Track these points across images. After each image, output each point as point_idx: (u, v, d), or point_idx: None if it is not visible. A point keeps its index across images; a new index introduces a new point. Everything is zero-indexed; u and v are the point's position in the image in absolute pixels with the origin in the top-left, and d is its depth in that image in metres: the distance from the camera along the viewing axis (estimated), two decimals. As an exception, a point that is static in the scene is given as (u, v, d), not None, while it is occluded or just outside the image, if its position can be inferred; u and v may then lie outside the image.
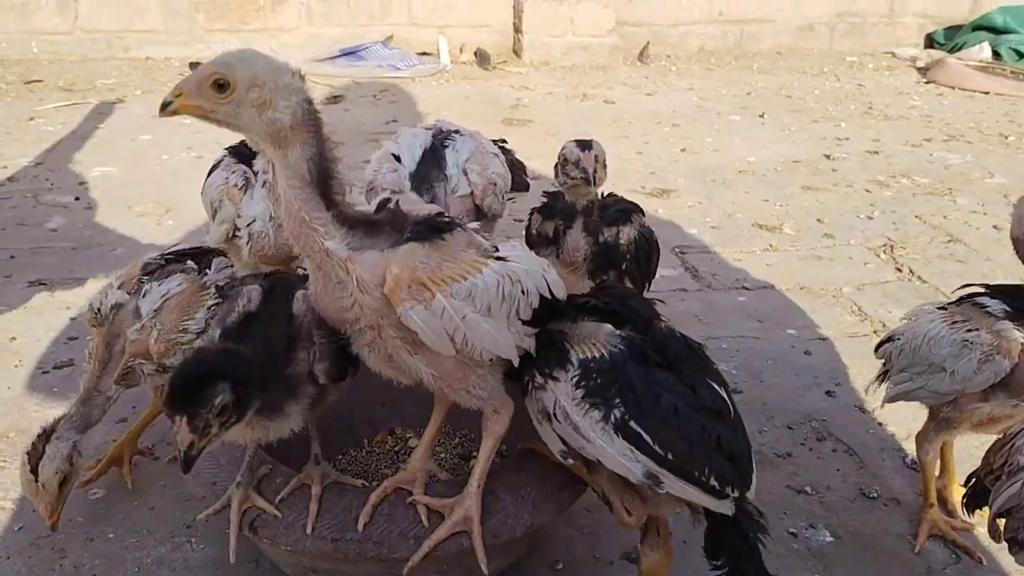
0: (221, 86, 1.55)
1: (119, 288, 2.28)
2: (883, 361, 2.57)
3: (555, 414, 1.78)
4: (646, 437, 1.70)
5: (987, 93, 7.59)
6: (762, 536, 1.76)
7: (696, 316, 3.60)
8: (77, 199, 4.81)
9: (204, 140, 5.63)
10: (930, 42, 9.42)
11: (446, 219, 1.78)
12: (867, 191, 5.18)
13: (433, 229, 1.72)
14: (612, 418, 1.72)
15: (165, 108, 1.60)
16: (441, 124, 2.59)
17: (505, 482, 1.95)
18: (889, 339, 2.55)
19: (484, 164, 2.52)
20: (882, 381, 2.56)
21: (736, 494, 1.74)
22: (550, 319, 1.87)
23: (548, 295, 1.81)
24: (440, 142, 2.43)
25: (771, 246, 4.39)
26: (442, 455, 2.48)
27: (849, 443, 2.87)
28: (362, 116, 6.41)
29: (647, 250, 2.62)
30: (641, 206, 2.71)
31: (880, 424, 2.98)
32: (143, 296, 2.25)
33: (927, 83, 8.03)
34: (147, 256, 2.39)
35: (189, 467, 1.61)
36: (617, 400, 1.73)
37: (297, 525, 1.86)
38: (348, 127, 6.08)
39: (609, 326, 1.87)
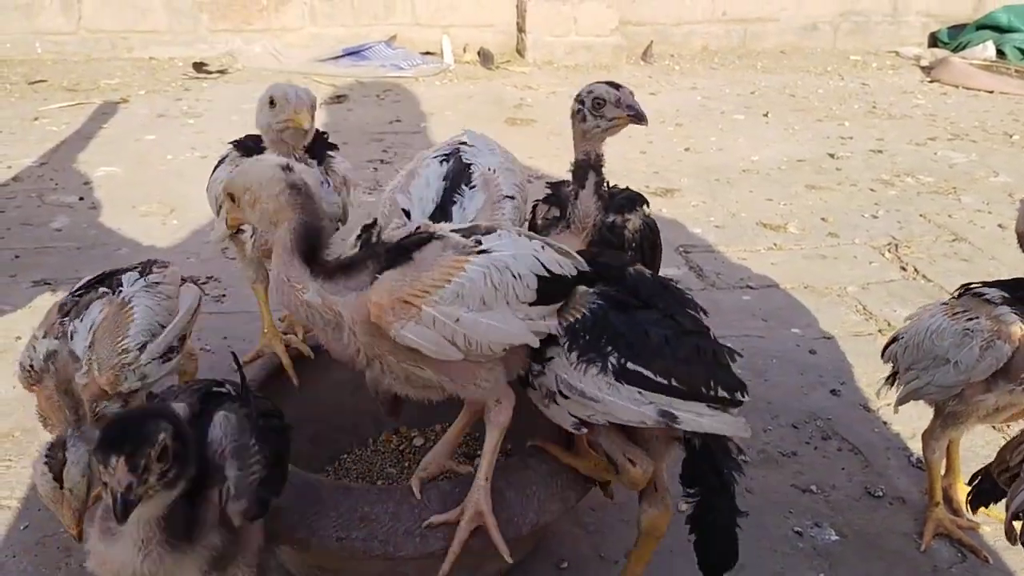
0: (232, 198, 1.85)
1: (44, 337, 2.24)
2: (891, 363, 2.57)
3: (559, 391, 1.80)
4: (647, 372, 1.75)
5: (991, 92, 7.58)
6: (736, 473, 1.82)
7: (700, 315, 3.59)
8: (81, 199, 4.82)
9: (208, 140, 5.65)
10: (934, 41, 9.41)
11: (416, 235, 1.81)
12: (871, 190, 5.17)
13: (402, 250, 1.76)
14: (610, 366, 1.76)
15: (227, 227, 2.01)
16: (462, 152, 2.48)
17: (511, 481, 1.95)
18: (894, 340, 2.55)
19: (492, 219, 2.49)
20: (892, 384, 2.56)
21: (746, 398, 1.80)
22: (565, 294, 1.87)
23: (546, 273, 1.80)
24: (450, 197, 2.37)
25: (775, 245, 4.39)
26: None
27: (854, 442, 2.87)
28: (365, 116, 6.42)
29: (652, 240, 2.63)
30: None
31: (885, 423, 2.98)
32: (71, 339, 2.22)
33: (931, 82, 8.02)
34: (60, 299, 2.38)
35: (127, 515, 1.43)
36: (609, 348, 1.77)
37: (303, 524, 1.86)
38: (352, 127, 6.09)
39: (582, 287, 1.88)
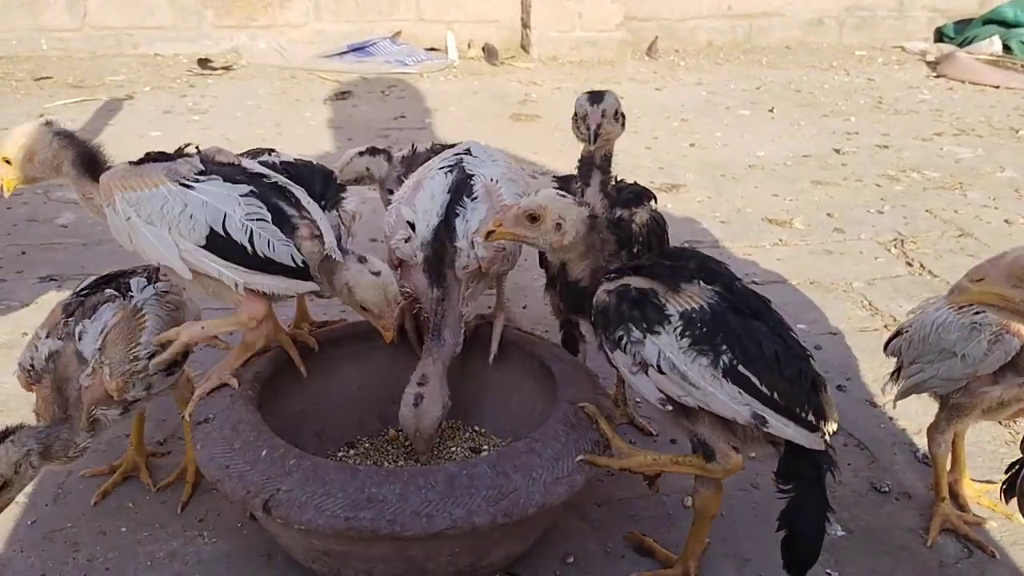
0: (7, 161, 2.30)
1: (47, 337, 2.25)
2: (895, 358, 2.56)
3: (659, 365, 1.90)
4: (754, 379, 1.86)
5: (997, 87, 7.56)
6: (833, 469, 1.95)
7: (706, 311, 3.59)
8: (87, 195, 4.81)
9: (213, 136, 5.65)
10: (940, 36, 9.38)
11: (154, 155, 2.29)
12: (877, 185, 5.16)
13: (135, 163, 2.27)
14: (721, 363, 1.86)
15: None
16: (465, 163, 2.51)
17: (517, 464, 1.96)
18: (897, 334, 2.54)
19: None
20: (896, 378, 2.56)
21: (832, 429, 1.93)
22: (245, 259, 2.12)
23: (221, 232, 2.10)
24: (453, 209, 2.38)
25: (781, 241, 4.38)
26: (452, 448, 2.49)
27: (860, 438, 2.87)
28: (370, 112, 6.42)
29: (659, 234, 2.63)
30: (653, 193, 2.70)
31: (891, 419, 2.98)
32: (79, 339, 2.21)
33: (937, 77, 8.00)
34: (63, 299, 2.39)
35: None
36: (724, 347, 1.87)
37: (310, 505, 1.86)
38: (357, 123, 6.09)
39: (700, 282, 1.97)
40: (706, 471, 2.03)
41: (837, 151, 5.79)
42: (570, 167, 5.37)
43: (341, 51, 8.03)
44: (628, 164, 5.33)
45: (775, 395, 1.87)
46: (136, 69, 7.77)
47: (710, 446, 1.98)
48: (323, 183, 2.44)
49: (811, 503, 1.92)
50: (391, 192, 3.03)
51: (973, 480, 2.60)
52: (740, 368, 1.86)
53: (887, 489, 2.63)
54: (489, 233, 2.09)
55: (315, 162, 2.58)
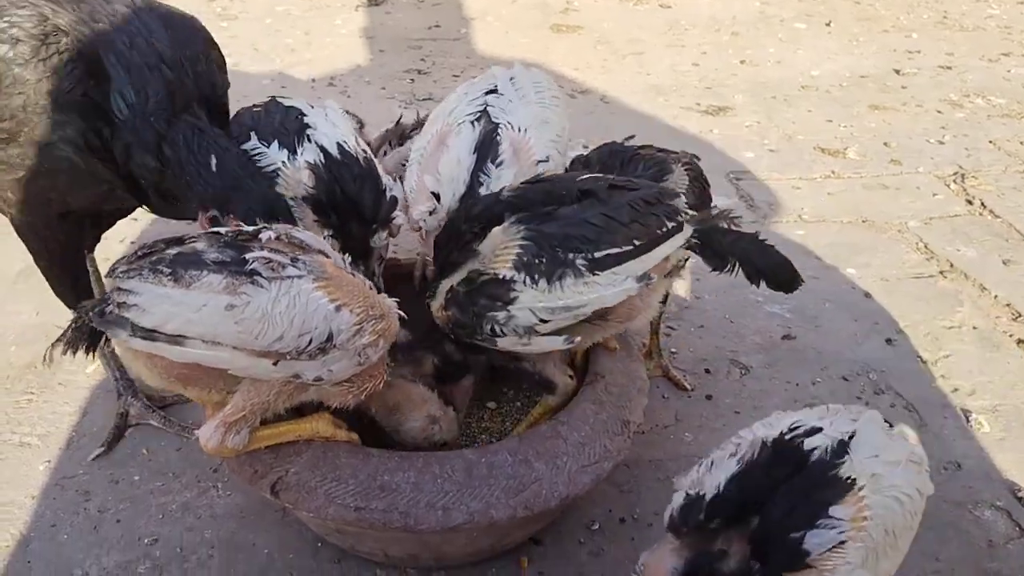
0: None
1: None
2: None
3: (541, 319, 1.83)
4: (613, 250, 1.83)
5: (1074, 1, 7.05)
6: (728, 218, 2.03)
7: (750, 251, 3.39)
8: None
9: (241, 46, 5.44)
10: (1014, -58, 8.76)
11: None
12: (938, 112, 4.84)
13: None
14: (580, 268, 1.81)
15: None
16: (490, 109, 2.26)
17: (540, 451, 1.83)
18: None
19: None
20: None
21: (686, 217, 1.95)
22: None
23: None
24: (477, 177, 2.15)
25: (833, 172, 4.13)
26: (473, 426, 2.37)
27: (909, 398, 2.71)
28: (404, 20, 6.12)
29: (701, 187, 2.42)
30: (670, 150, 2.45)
31: (943, 377, 2.81)
32: None
33: (1008, -12, 7.47)
34: None
35: None
36: (570, 255, 1.81)
37: (320, 491, 1.76)
38: (389, 33, 5.82)
39: (495, 228, 1.89)
40: (550, 409, 2.09)
41: (897, 72, 5.43)
42: (613, 85, 5.15)
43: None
44: (673, 83, 5.06)
45: (635, 242, 1.85)
46: None
47: (553, 381, 2.03)
48: (373, 198, 2.14)
49: (752, 248, 1.98)
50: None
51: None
52: (597, 254, 1.82)
53: (935, 457, 2.48)
54: None
55: (362, 156, 2.18)
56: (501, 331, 1.85)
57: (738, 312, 3.08)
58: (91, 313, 1.68)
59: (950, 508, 2.32)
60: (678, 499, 1.56)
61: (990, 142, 4.47)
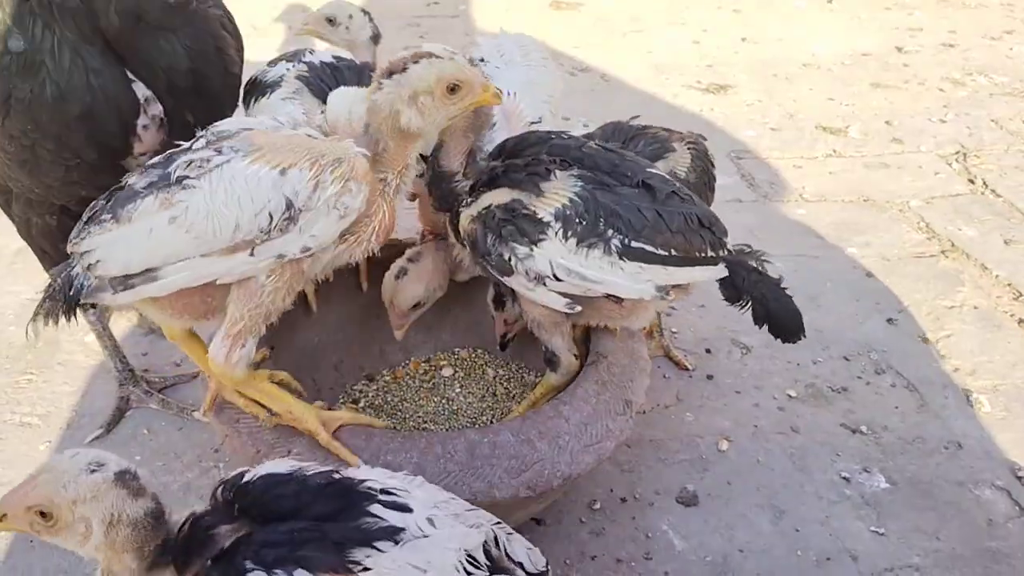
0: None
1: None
2: None
3: (554, 274, 1.81)
4: (649, 248, 1.81)
5: (1077, -22, 6.99)
6: (759, 261, 1.98)
7: (750, 230, 3.37)
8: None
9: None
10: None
11: None
12: (940, 90, 4.82)
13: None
14: (613, 248, 1.79)
15: None
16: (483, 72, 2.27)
17: (542, 430, 1.82)
18: None
19: None
20: None
21: (725, 252, 1.92)
22: None
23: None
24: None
25: (834, 151, 4.12)
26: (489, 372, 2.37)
27: (910, 377, 2.71)
28: (402, -4, 6.08)
29: (704, 170, 2.40)
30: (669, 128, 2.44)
31: (944, 356, 2.81)
32: None
33: (1011, -35, 7.42)
34: None
35: None
36: (610, 231, 1.79)
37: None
38: (385, 8, 5.74)
39: (559, 172, 1.86)
40: (551, 388, 2.07)
41: (899, 50, 5.39)
42: (613, 62, 5.11)
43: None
44: (674, 62, 5.02)
45: (672, 252, 1.83)
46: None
47: (558, 356, 2.02)
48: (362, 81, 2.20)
49: (769, 293, 1.94)
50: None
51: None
52: (633, 244, 1.80)
53: (936, 437, 2.49)
54: None
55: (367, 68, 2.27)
56: (514, 266, 1.83)
57: (739, 292, 3.07)
58: (60, 279, 1.68)
59: (951, 487, 2.33)
60: None
61: (992, 121, 4.45)
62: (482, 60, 2.31)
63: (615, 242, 1.79)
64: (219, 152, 1.62)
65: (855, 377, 2.71)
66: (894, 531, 2.20)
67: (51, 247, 2.26)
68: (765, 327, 1.95)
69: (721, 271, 1.91)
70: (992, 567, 2.12)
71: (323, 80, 2.20)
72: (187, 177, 1.59)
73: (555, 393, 2.04)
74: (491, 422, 2.26)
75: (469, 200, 1.92)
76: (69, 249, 1.69)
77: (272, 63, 2.31)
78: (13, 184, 2.15)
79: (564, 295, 1.84)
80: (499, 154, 1.97)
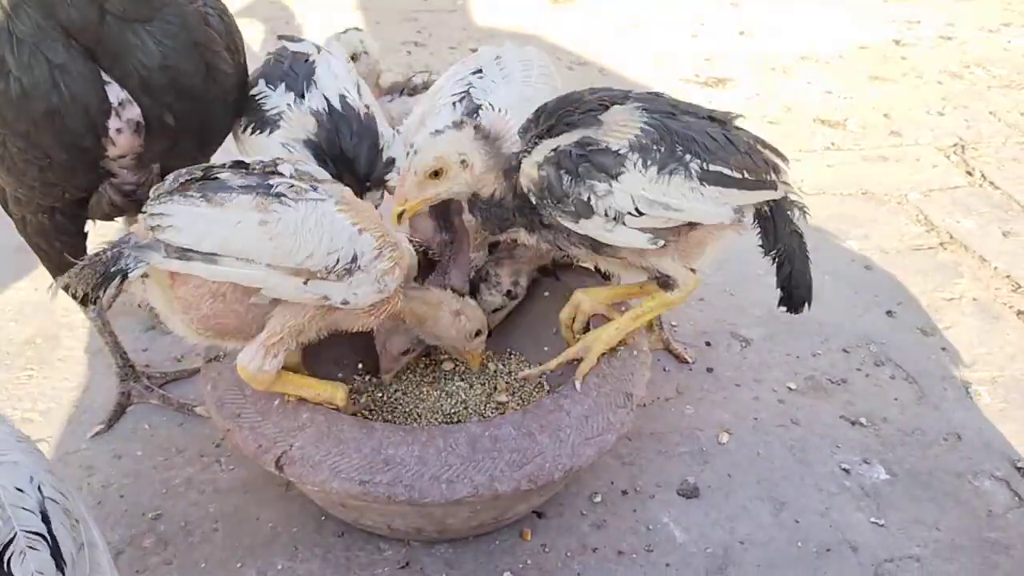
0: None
1: None
2: None
3: (637, 209, 1.81)
4: (727, 171, 1.84)
5: (1075, -30, 6.99)
6: (801, 209, 2.09)
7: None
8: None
9: (236, 17, 5.38)
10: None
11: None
12: (939, 83, 4.82)
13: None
14: (693, 172, 1.81)
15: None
16: (473, 90, 2.26)
17: (544, 424, 1.83)
18: None
19: None
20: None
21: (787, 169, 2.01)
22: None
23: None
24: None
25: (833, 144, 4.12)
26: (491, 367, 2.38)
27: (909, 370, 2.72)
28: (400, -10, 6.06)
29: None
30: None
31: (943, 348, 2.81)
32: None
33: (1009, -43, 7.41)
34: None
35: None
36: (688, 156, 1.81)
37: (324, 465, 1.76)
38: (383, 3, 5.75)
39: (616, 106, 1.87)
40: (669, 305, 2.06)
41: (897, 42, 5.40)
42: (611, 56, 5.11)
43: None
44: (671, 55, 5.02)
45: (745, 174, 1.88)
46: None
47: (671, 275, 2.00)
48: (369, 156, 2.17)
49: (798, 253, 2.04)
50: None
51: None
52: (711, 167, 1.83)
53: (935, 428, 2.49)
54: (400, 215, 1.91)
55: (363, 112, 2.20)
56: (593, 207, 1.81)
57: (738, 285, 3.08)
58: (110, 252, 1.71)
59: (950, 479, 2.34)
60: None
61: (990, 113, 4.45)
62: (480, 72, 2.31)
63: (694, 166, 1.81)
64: (315, 189, 1.78)
65: (854, 369, 2.71)
66: (894, 522, 2.21)
67: (47, 244, 2.23)
68: (778, 294, 2.06)
69: (779, 192, 1.99)
70: (991, 557, 2.12)
71: (329, 137, 2.16)
72: (286, 196, 1.74)
73: (667, 309, 2.14)
74: (492, 416, 2.26)
75: (526, 153, 1.89)
76: (145, 209, 1.74)
77: (269, 79, 2.22)
78: (2, 182, 2.13)
79: (643, 230, 1.85)
80: (538, 115, 1.94)
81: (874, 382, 2.67)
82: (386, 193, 2.24)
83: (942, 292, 3.08)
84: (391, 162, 2.19)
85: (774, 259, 2.03)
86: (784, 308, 2.10)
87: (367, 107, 2.22)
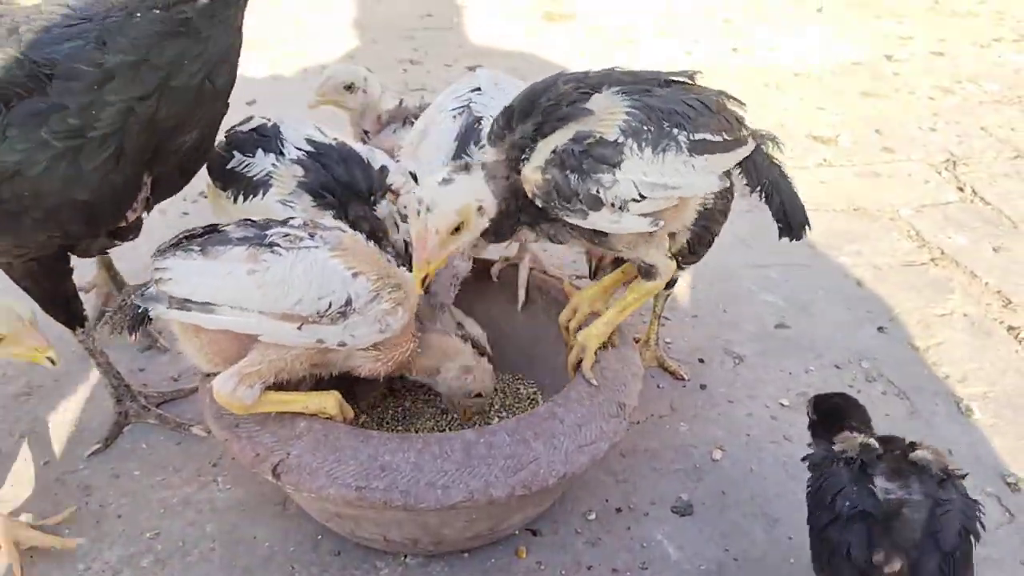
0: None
1: None
2: None
3: (640, 194, 1.84)
4: (710, 136, 1.89)
5: (1065, -15, 7.05)
6: (775, 143, 2.15)
7: (741, 240, 3.42)
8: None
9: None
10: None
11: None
12: (930, 98, 4.86)
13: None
14: (683, 145, 1.85)
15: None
16: (473, 104, 2.31)
17: (538, 431, 1.87)
18: None
19: None
20: None
21: (744, 115, 2.07)
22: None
23: None
24: (460, 157, 2.19)
25: (825, 160, 4.16)
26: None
27: (900, 385, 2.74)
28: (395, 9, 6.11)
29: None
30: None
31: (934, 364, 2.84)
32: None
33: (1000, -27, 7.48)
34: None
35: None
36: (674, 130, 1.84)
37: (321, 472, 1.79)
38: (381, 21, 5.81)
39: (596, 94, 1.89)
40: (650, 292, 2.14)
41: (888, 58, 5.45)
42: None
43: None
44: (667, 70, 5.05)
45: (724, 136, 1.92)
46: None
47: (655, 264, 2.06)
48: (362, 172, 2.23)
49: (780, 181, 2.11)
50: (366, 133, 2.85)
51: None
52: (695, 135, 1.86)
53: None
54: (424, 279, 1.90)
55: (335, 142, 2.30)
56: (603, 199, 1.83)
57: (731, 301, 3.11)
58: (134, 295, 1.86)
59: (941, 494, 2.35)
60: None
61: (982, 129, 4.49)
62: (479, 90, 2.36)
63: (682, 138, 1.85)
64: (311, 237, 1.86)
65: (847, 385, 2.73)
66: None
67: (34, 285, 2.27)
68: (777, 226, 2.12)
69: (751, 146, 2.03)
70: (983, 573, 2.13)
71: (319, 175, 2.22)
72: (278, 245, 1.83)
73: (649, 297, 2.18)
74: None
75: (526, 155, 1.89)
76: (151, 262, 1.87)
77: (244, 147, 2.27)
78: None
79: (647, 215, 1.89)
80: (509, 118, 1.95)
81: (866, 398, 2.66)
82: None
83: (933, 308, 3.10)
84: (383, 168, 2.26)
85: (761, 194, 2.07)
86: (786, 238, 2.15)
87: (335, 138, 2.31)
